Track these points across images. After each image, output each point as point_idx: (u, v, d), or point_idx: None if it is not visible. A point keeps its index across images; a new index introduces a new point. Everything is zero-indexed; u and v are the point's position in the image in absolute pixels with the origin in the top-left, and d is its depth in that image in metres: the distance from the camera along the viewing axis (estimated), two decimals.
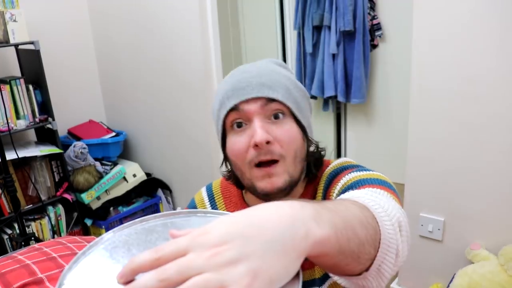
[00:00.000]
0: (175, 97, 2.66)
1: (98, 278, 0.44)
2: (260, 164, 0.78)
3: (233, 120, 0.79)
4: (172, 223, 0.53)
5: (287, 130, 0.78)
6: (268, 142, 0.76)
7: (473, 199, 1.79)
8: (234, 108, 0.78)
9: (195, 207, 1.02)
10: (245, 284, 0.35)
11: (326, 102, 3.29)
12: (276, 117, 0.78)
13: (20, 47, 2.45)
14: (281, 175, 0.78)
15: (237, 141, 0.79)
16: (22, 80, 2.41)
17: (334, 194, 0.83)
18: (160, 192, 2.98)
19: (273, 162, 0.78)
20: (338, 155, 3.54)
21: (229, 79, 0.82)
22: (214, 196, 1.01)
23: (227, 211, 0.97)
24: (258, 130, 0.75)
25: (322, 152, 0.91)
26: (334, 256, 0.47)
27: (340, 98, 3.10)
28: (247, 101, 0.77)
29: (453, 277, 1.82)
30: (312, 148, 0.88)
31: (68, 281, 0.43)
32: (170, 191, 2.99)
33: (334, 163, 0.91)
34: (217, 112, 0.82)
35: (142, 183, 2.91)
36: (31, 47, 2.37)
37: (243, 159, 0.80)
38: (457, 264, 1.86)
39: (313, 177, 0.90)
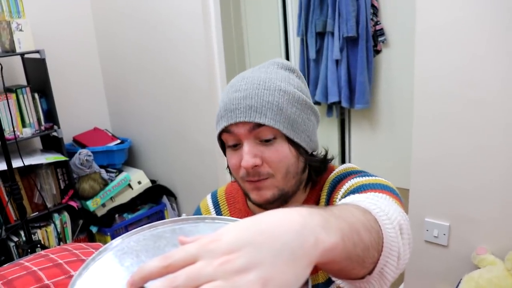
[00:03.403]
0: (179, 104, 2.68)
1: (108, 285, 0.45)
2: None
3: (227, 140, 0.82)
4: (181, 229, 0.53)
5: (276, 151, 0.79)
6: (255, 165, 0.78)
7: (479, 204, 1.78)
8: (225, 129, 0.80)
9: (200, 215, 1.03)
10: None
11: (330, 108, 3.30)
12: (266, 140, 0.79)
13: (26, 56, 2.48)
14: (270, 189, 0.81)
15: (231, 158, 0.83)
16: (28, 89, 2.43)
17: (337, 200, 0.83)
18: (165, 199, 2.98)
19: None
20: (343, 160, 3.54)
21: (226, 93, 0.82)
22: (219, 203, 1.02)
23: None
24: (245, 156, 0.78)
25: (328, 157, 0.91)
26: (341, 262, 0.47)
27: (344, 104, 3.10)
28: (236, 124, 0.78)
29: (459, 282, 1.81)
30: (316, 152, 0.89)
31: (78, 287, 0.44)
32: (175, 198, 3.00)
33: (338, 169, 0.91)
34: (215, 125, 0.84)
35: (147, 190, 2.91)
36: (36, 56, 2.40)
37: (237, 174, 0.83)
38: (463, 269, 1.84)
39: (317, 183, 0.91)
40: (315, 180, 0.89)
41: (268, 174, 0.79)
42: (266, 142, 0.78)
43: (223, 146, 0.86)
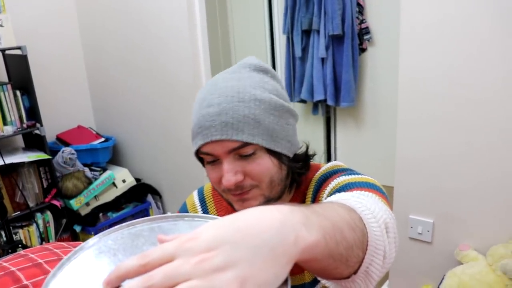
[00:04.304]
0: (164, 102, 2.65)
1: (83, 285, 0.44)
2: None
3: (204, 157, 0.79)
4: (159, 227, 0.52)
5: (257, 164, 0.77)
6: (238, 181, 0.76)
7: (462, 201, 1.81)
8: (202, 147, 0.76)
9: (187, 211, 1.02)
10: None
11: (315, 106, 3.30)
12: (246, 155, 0.76)
13: (7, 52, 2.43)
14: (255, 199, 0.80)
15: (210, 172, 0.80)
16: (9, 86, 2.38)
17: (323, 198, 0.82)
18: (150, 198, 2.96)
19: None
20: (328, 158, 3.54)
21: (198, 108, 0.77)
22: (206, 200, 1.01)
23: (218, 215, 0.96)
24: (226, 175, 0.75)
25: (310, 154, 0.90)
26: (323, 260, 0.47)
27: (330, 102, 3.11)
28: (212, 142, 0.74)
29: (443, 278, 1.83)
30: (298, 150, 0.87)
31: None
32: (160, 197, 2.98)
33: (324, 167, 0.90)
34: (192, 141, 0.80)
35: (132, 189, 2.89)
36: (18, 52, 2.35)
37: (218, 188, 0.82)
38: (447, 265, 1.87)
39: (302, 182, 0.90)
40: (299, 180, 0.88)
41: (252, 186, 0.78)
42: (246, 156, 0.76)
43: (201, 159, 0.83)
